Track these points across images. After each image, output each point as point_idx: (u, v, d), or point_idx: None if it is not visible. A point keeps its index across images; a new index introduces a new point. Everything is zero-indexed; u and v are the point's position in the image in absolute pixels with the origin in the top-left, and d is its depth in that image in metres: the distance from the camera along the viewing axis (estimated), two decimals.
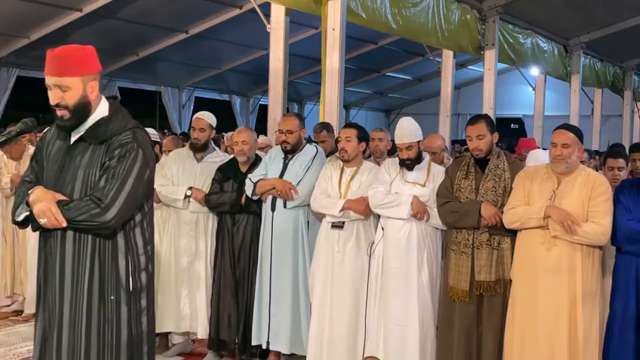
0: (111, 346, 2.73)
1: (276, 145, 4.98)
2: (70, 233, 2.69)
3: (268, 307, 4.68)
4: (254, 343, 4.79)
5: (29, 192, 2.68)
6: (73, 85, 2.68)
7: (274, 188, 4.67)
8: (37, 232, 2.79)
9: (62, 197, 2.66)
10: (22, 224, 2.76)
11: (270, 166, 4.80)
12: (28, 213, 2.68)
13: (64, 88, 2.67)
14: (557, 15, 11.57)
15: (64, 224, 2.62)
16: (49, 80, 2.69)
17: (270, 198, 4.70)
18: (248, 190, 4.73)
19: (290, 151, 4.79)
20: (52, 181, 2.75)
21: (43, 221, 2.62)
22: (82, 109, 2.72)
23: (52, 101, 2.70)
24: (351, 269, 4.51)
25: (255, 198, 4.74)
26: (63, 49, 2.70)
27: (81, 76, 2.69)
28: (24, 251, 6.17)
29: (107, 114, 2.79)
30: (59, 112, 2.70)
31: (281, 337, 4.69)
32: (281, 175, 4.73)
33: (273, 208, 4.70)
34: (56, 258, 2.72)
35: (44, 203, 2.61)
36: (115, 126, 2.76)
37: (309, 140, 5.31)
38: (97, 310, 2.71)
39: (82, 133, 2.76)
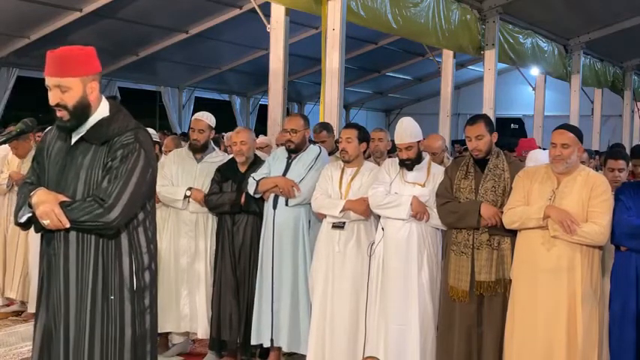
0: (114, 345, 2.73)
1: (277, 144, 4.98)
2: (73, 234, 2.69)
3: (271, 304, 4.68)
4: (254, 342, 4.78)
5: (31, 194, 2.68)
6: (73, 85, 2.68)
7: (277, 186, 4.67)
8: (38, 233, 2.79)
9: (65, 198, 2.66)
10: (25, 226, 2.75)
11: (274, 165, 4.81)
12: (30, 214, 2.68)
13: (64, 89, 2.68)
14: (557, 15, 11.56)
15: (67, 225, 2.62)
16: (49, 81, 2.69)
17: (272, 196, 4.71)
18: (251, 188, 4.74)
19: (294, 151, 4.80)
20: (53, 183, 2.75)
21: (45, 222, 2.62)
22: (82, 110, 2.72)
23: (52, 101, 2.70)
24: (351, 269, 4.51)
25: (257, 196, 4.75)
26: (63, 50, 2.69)
27: (81, 76, 2.69)
28: (12, 252, 6.13)
29: (108, 114, 2.79)
30: (59, 113, 2.70)
31: (282, 335, 4.70)
32: (284, 174, 4.74)
33: (275, 206, 4.70)
34: (60, 259, 2.71)
35: (47, 204, 2.61)
36: (116, 126, 2.76)
37: (311, 141, 5.31)
38: (101, 309, 2.71)
39: (82, 133, 2.75)
